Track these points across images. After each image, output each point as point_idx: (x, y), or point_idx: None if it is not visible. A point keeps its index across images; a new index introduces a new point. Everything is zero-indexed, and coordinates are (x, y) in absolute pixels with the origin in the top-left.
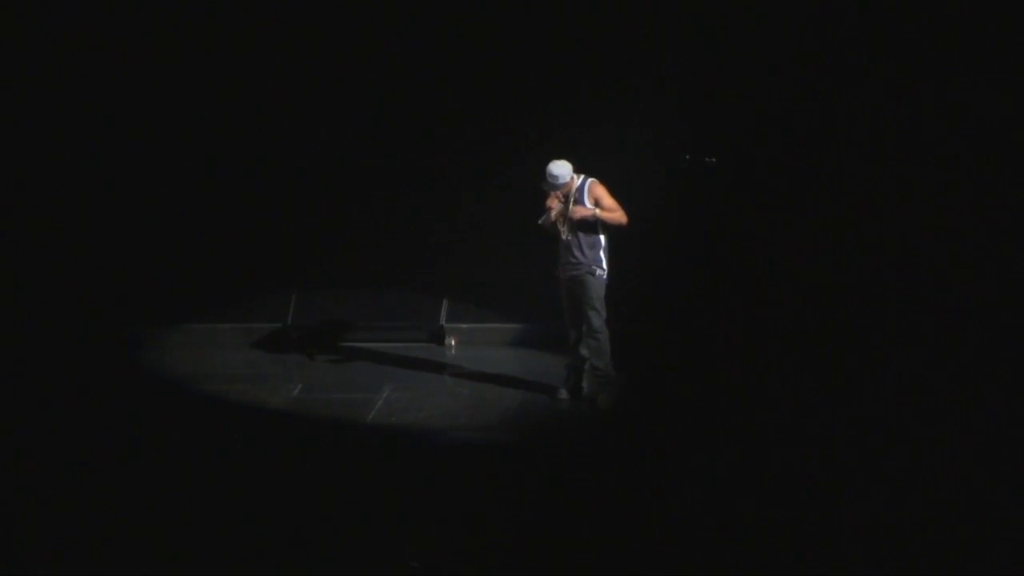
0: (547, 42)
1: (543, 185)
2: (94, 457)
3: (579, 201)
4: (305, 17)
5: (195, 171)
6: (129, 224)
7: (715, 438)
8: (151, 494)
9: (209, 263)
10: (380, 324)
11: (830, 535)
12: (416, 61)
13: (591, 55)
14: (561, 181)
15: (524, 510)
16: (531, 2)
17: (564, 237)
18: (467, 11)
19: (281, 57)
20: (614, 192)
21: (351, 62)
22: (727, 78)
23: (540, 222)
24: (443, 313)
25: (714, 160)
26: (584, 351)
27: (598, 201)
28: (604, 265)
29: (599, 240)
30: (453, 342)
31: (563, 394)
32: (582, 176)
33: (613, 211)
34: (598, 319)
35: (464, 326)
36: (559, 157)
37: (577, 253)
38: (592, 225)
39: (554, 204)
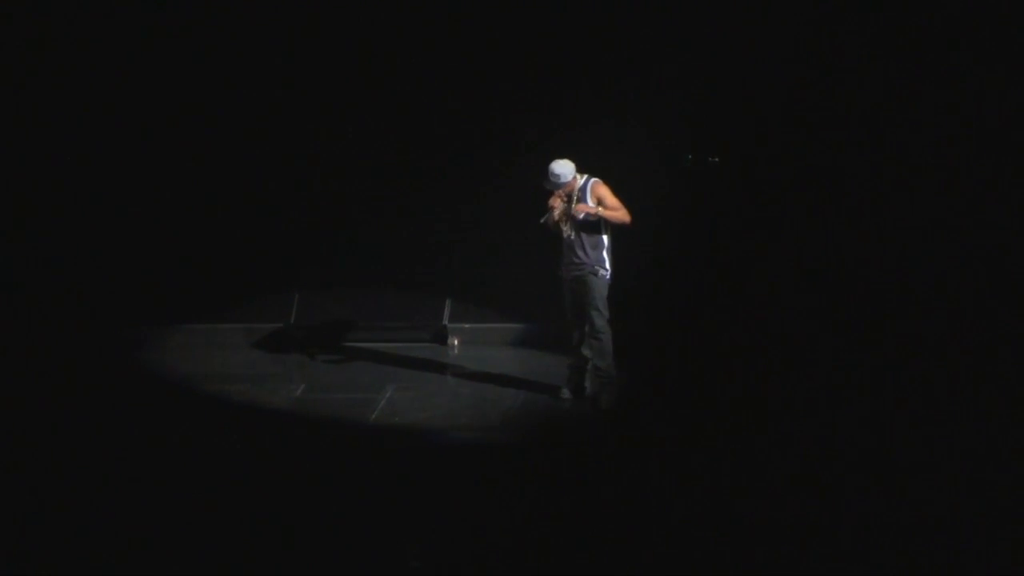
0: (548, 42)
1: (545, 184)
2: (95, 457)
3: (582, 200)
4: (307, 17)
5: (197, 171)
6: (131, 224)
7: (717, 439)
8: (152, 494)
9: (211, 263)
10: (382, 324)
11: (831, 535)
12: (418, 61)
13: (592, 54)
14: (563, 180)
15: (526, 510)
16: (532, 2)
17: (567, 236)
18: (468, 11)
19: (282, 57)
20: (617, 192)
21: (353, 62)
22: (728, 78)
23: (542, 221)
24: (446, 313)
25: (716, 160)
26: (586, 351)
27: (601, 200)
28: (607, 265)
29: (602, 240)
30: (456, 342)
31: (565, 394)
32: (585, 176)
33: (616, 210)
34: (601, 319)
35: (467, 326)
36: (561, 156)
37: (580, 253)
38: (595, 225)
39: (557, 203)
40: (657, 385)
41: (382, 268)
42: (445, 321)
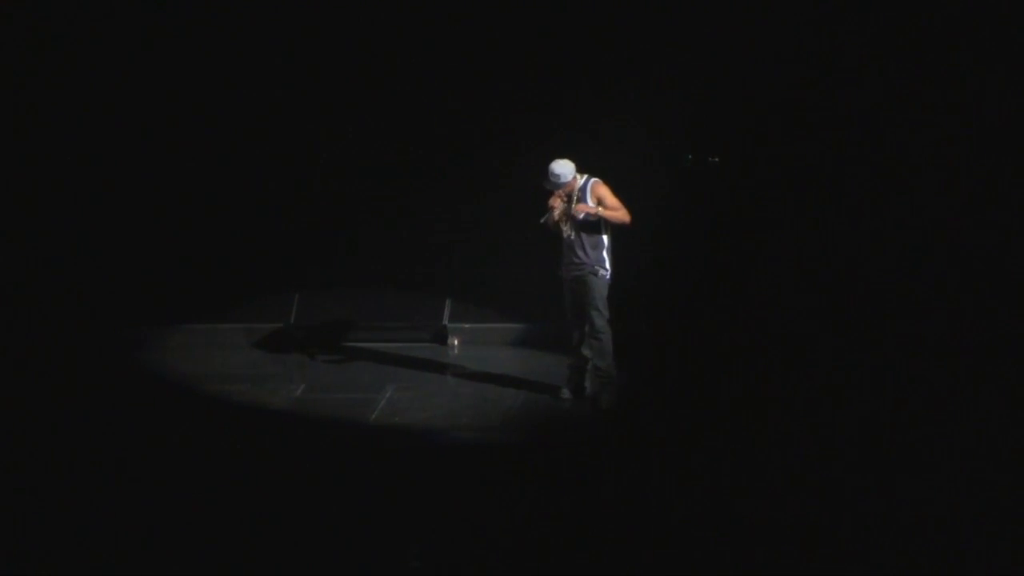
0: (548, 41)
1: (545, 184)
2: (95, 457)
3: (582, 200)
4: (307, 17)
5: (197, 171)
6: (131, 224)
7: (717, 439)
8: (152, 494)
9: (211, 263)
10: (382, 324)
11: (831, 535)
12: (418, 61)
13: (592, 54)
14: (563, 180)
15: (526, 510)
16: (532, 1)
17: (567, 236)
18: (469, 11)
19: (283, 57)
20: (617, 192)
21: (353, 62)
22: (729, 77)
23: (542, 221)
24: (446, 313)
25: (716, 160)
26: (586, 351)
27: (601, 200)
28: (607, 265)
29: (602, 240)
30: (456, 342)
31: (565, 394)
32: (585, 176)
33: (616, 210)
34: (600, 319)
35: (467, 326)
36: (561, 156)
37: (580, 253)
38: (595, 225)
39: (557, 203)
40: (657, 385)
41: (382, 268)
42: (445, 321)
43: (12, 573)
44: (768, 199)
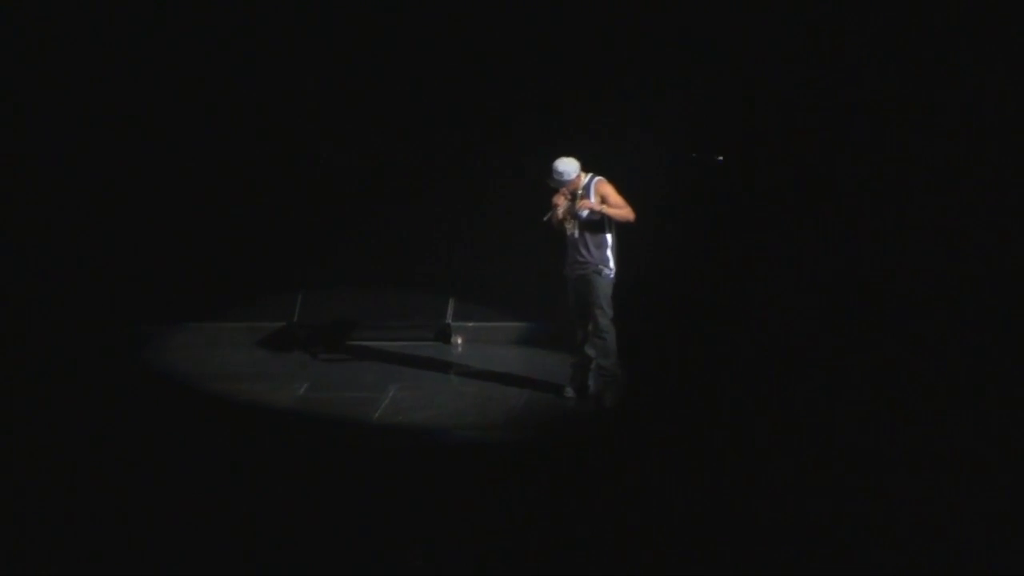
0: (551, 41)
1: (549, 182)
2: (99, 456)
3: (586, 198)
4: (309, 17)
5: (200, 170)
6: (135, 222)
7: (720, 438)
8: (156, 493)
9: (215, 262)
10: (386, 323)
11: (833, 535)
12: (421, 61)
13: (596, 53)
14: (567, 178)
15: (529, 509)
16: (533, 1)
17: (571, 235)
18: (471, 10)
19: (285, 57)
20: (621, 190)
21: (356, 62)
22: (732, 77)
23: (546, 219)
24: (449, 312)
25: (721, 159)
26: (590, 350)
27: (604, 198)
28: (611, 264)
29: (606, 239)
30: (459, 341)
31: (569, 393)
32: (590, 174)
33: (620, 208)
34: (604, 318)
35: (470, 324)
36: (565, 155)
37: (584, 252)
38: (599, 224)
39: (561, 201)
40: (661, 384)
41: (386, 267)
42: (449, 320)
43: (13, 573)
44: (770, 199)
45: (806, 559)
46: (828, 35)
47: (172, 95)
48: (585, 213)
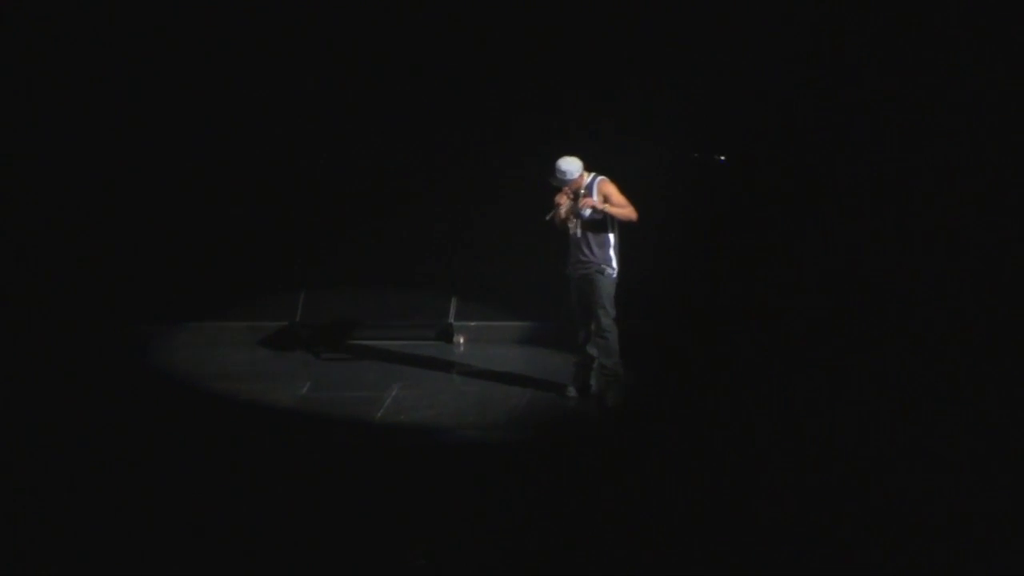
0: (553, 40)
1: (552, 181)
2: (101, 455)
3: (588, 196)
4: (311, 16)
5: (203, 169)
6: (137, 222)
7: (723, 437)
8: (158, 492)
9: (217, 261)
10: (388, 322)
11: (834, 535)
12: (423, 61)
13: (597, 52)
14: (569, 177)
15: (531, 509)
16: (535, 1)
17: (573, 234)
18: (474, 10)
19: (286, 56)
20: (624, 190)
21: (359, 61)
22: (734, 76)
23: (548, 218)
24: (451, 311)
25: (723, 158)
26: (593, 350)
27: (607, 198)
28: (614, 264)
29: (608, 239)
30: (462, 340)
31: (571, 392)
32: (592, 174)
33: (622, 207)
34: (607, 318)
35: (472, 324)
36: (569, 154)
37: (587, 251)
38: (602, 223)
39: (563, 201)
40: (663, 384)
41: (388, 266)
42: (451, 319)
43: (13, 573)
44: (773, 198)
45: (806, 559)
46: (828, 35)
47: (173, 94)
48: (588, 212)
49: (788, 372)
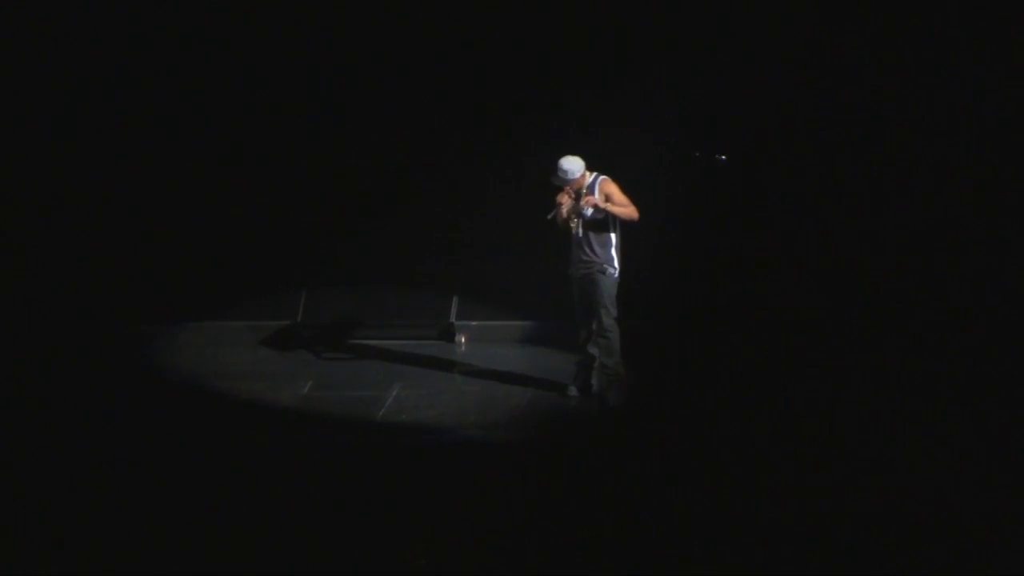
0: (555, 40)
1: (553, 180)
2: (102, 455)
3: (590, 195)
4: (313, 15)
5: (204, 168)
6: (139, 222)
7: (723, 437)
8: (160, 492)
9: (218, 261)
10: (389, 322)
11: (835, 535)
12: (425, 61)
13: (599, 52)
14: (571, 176)
15: (533, 508)
16: (536, 1)
17: (575, 234)
18: (474, 10)
19: (288, 55)
20: (626, 189)
21: (361, 61)
22: (735, 76)
23: (549, 217)
24: (453, 310)
25: (723, 158)
26: (594, 349)
27: (609, 197)
28: (616, 264)
29: (610, 239)
30: (463, 339)
31: (573, 392)
32: (594, 173)
33: (624, 206)
34: (608, 317)
35: (474, 323)
36: (571, 154)
37: (588, 251)
38: (603, 223)
39: (564, 200)
40: (664, 383)
41: (389, 266)
42: (452, 319)
43: (13, 573)
44: (774, 197)
45: (806, 559)
46: (828, 35)
47: (174, 93)
48: (590, 212)
49: (788, 372)
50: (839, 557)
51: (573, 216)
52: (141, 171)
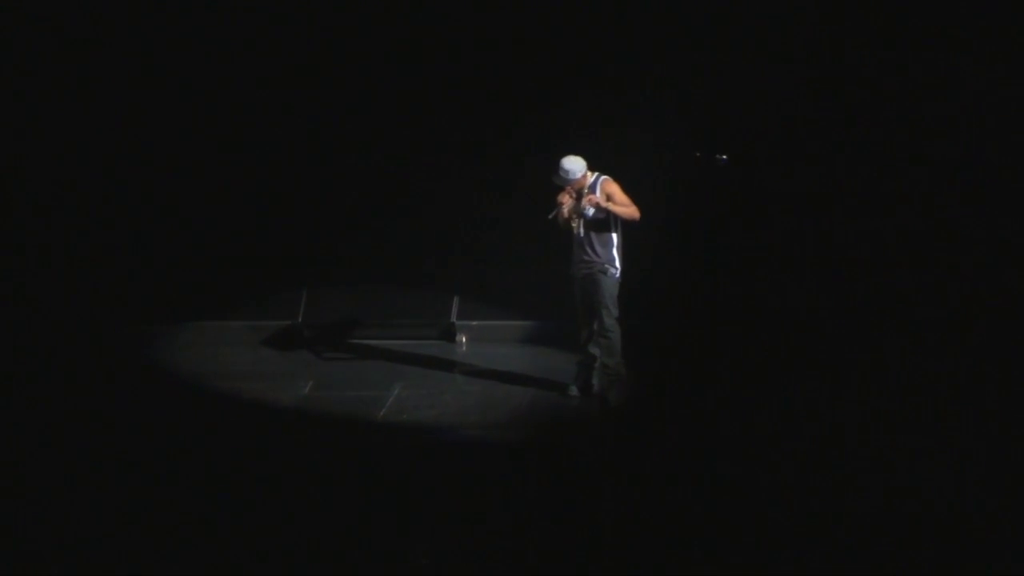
0: (556, 39)
1: (555, 179)
2: (104, 455)
3: (591, 194)
4: (315, 14)
5: (206, 168)
6: (140, 221)
7: (724, 436)
8: (161, 492)
9: (220, 260)
10: (391, 321)
11: (837, 535)
12: (428, 59)
13: (600, 52)
14: (572, 176)
15: (534, 508)
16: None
17: (576, 234)
18: (474, 9)
19: (290, 54)
20: (627, 190)
21: (363, 60)
22: (737, 76)
23: (551, 217)
24: (454, 310)
25: (724, 158)
26: (595, 349)
27: (610, 197)
28: (617, 264)
29: (612, 238)
30: (464, 339)
31: (573, 391)
32: (596, 173)
33: (626, 206)
34: (610, 317)
35: (475, 323)
36: (572, 154)
37: (590, 251)
38: (605, 223)
39: (565, 200)
40: (665, 383)
41: (390, 266)
42: (453, 318)
43: (13, 573)
44: (775, 197)
45: (806, 559)
46: (828, 35)
47: (174, 93)
48: (591, 211)
49: (788, 372)
50: (839, 557)
51: (574, 216)
52: (142, 170)
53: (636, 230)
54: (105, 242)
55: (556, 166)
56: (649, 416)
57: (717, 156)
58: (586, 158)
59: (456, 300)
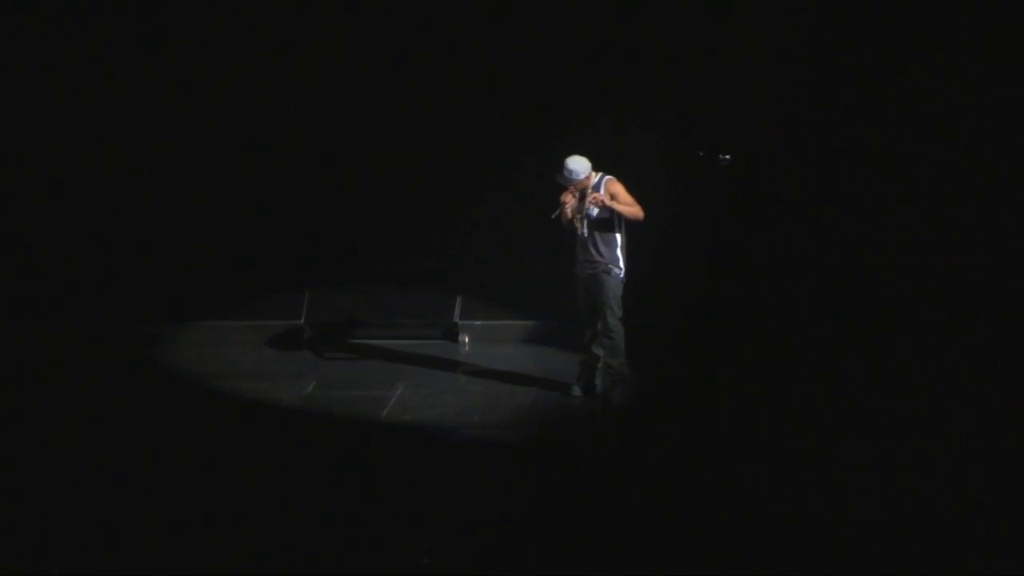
0: (559, 40)
1: (559, 179)
2: (106, 455)
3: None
4: (317, 14)
5: (208, 168)
6: (142, 221)
7: (727, 437)
8: (163, 492)
9: (222, 260)
10: (393, 321)
11: (835, 535)
12: (429, 59)
13: (601, 52)
14: (576, 176)
15: (535, 508)
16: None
17: (580, 234)
18: (474, 9)
19: (291, 54)
20: (631, 189)
21: (364, 60)
22: (737, 76)
23: (553, 216)
24: (457, 310)
25: (727, 158)
26: (598, 349)
27: (614, 196)
28: (621, 264)
29: (616, 238)
30: (467, 339)
31: (576, 392)
32: (600, 173)
33: (630, 205)
34: (613, 318)
35: (478, 323)
36: (576, 154)
37: (594, 251)
38: (609, 223)
39: (569, 200)
40: (668, 383)
41: (393, 265)
42: (456, 318)
43: (14, 573)
44: (777, 197)
45: (806, 559)
46: (829, 35)
47: (175, 92)
48: (595, 211)
49: (790, 371)
50: (839, 557)
51: (578, 216)
52: (144, 170)
53: (639, 230)
54: (107, 242)
55: (560, 166)
56: (652, 416)
57: (720, 156)
58: (590, 158)
59: (459, 300)
